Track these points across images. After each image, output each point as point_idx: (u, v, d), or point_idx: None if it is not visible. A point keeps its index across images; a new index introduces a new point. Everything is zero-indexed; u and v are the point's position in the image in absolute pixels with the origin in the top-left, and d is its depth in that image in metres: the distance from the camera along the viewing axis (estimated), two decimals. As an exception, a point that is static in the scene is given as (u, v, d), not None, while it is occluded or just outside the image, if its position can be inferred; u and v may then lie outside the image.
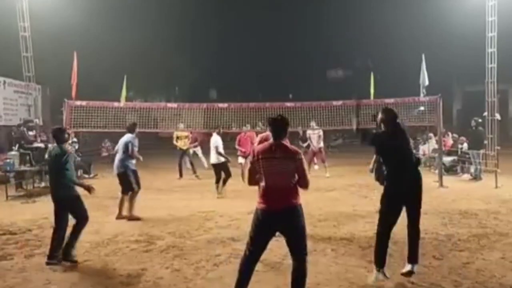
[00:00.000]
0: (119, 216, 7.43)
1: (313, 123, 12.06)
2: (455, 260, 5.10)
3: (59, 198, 5.19)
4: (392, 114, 4.59)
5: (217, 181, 9.19)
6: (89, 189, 5.34)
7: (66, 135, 5.54)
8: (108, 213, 7.84)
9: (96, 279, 4.67)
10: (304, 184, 3.77)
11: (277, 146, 3.73)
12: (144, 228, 6.72)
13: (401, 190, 4.46)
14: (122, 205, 7.49)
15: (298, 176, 3.74)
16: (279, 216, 3.71)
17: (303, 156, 3.81)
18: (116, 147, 7.95)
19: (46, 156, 5.53)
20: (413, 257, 4.57)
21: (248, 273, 3.85)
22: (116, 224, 7.03)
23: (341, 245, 5.77)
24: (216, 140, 9.02)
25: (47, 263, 5.04)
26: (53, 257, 5.08)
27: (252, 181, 3.84)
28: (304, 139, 13.02)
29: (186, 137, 12.95)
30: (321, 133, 12.85)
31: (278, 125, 3.79)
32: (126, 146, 7.56)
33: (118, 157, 7.66)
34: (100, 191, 10.67)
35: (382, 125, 4.59)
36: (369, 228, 6.60)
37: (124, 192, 7.53)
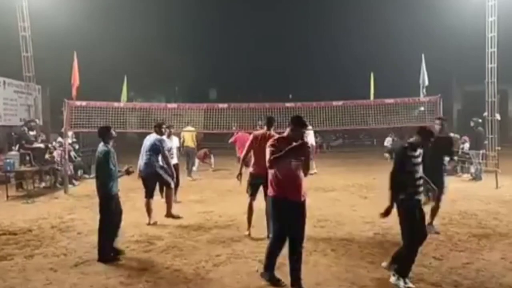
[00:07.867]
0: (173, 216, 7.42)
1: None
2: (455, 260, 5.10)
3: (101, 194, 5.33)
4: None
5: None
6: (128, 172, 5.59)
7: (112, 134, 5.56)
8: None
9: (96, 279, 4.67)
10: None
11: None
12: (144, 228, 6.72)
13: None
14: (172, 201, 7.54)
15: None
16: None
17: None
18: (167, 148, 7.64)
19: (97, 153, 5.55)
20: None
21: None
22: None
23: (341, 245, 5.76)
24: None
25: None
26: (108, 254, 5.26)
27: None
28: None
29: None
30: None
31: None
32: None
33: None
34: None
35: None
36: (369, 228, 6.62)
37: (172, 188, 7.51)
